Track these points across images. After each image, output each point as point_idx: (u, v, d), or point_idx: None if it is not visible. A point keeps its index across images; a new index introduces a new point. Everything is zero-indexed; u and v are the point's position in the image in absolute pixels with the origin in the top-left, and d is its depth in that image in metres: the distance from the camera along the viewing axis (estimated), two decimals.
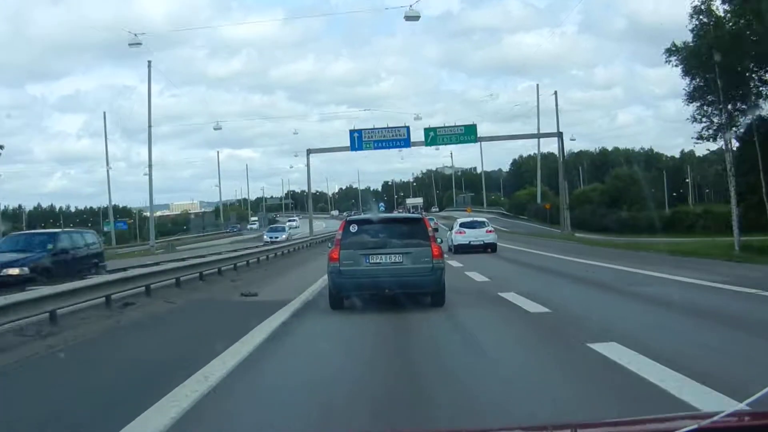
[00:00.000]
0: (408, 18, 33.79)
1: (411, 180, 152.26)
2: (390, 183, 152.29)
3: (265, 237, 51.80)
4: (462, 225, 30.62)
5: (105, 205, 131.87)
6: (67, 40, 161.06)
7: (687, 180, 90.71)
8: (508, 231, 58.58)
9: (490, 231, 29.97)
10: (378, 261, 10.82)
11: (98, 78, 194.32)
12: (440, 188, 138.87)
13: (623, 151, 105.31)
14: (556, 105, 57.09)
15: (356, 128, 49.46)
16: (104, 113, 68.70)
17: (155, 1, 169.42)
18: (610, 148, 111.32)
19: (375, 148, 49.45)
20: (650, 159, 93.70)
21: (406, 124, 49.75)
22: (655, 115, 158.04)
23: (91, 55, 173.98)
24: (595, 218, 55.70)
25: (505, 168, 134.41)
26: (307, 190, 64.92)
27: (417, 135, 49.42)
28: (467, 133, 50.48)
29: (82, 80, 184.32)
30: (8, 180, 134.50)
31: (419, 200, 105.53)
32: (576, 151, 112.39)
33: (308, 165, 55.01)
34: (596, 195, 64.74)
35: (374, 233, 11.23)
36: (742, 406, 2.20)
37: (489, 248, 28.76)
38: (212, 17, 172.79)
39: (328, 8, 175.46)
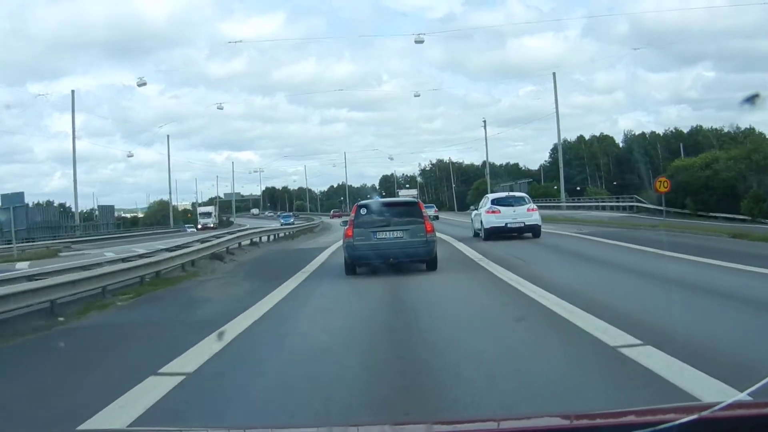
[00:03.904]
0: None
1: (417, 173, 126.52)
2: (390, 175, 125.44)
3: None
4: (495, 202, 24.36)
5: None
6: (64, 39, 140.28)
7: None
8: None
9: (533, 209, 23.71)
10: (383, 236, 14.28)
11: (97, 77, 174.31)
12: (457, 182, 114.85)
13: (675, 133, 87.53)
14: None
15: None
16: None
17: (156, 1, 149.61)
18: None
19: None
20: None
21: None
22: (656, 121, 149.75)
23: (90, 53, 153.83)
24: None
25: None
26: None
27: None
28: None
29: (80, 79, 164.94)
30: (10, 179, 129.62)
31: (413, 191, 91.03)
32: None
33: None
34: None
35: (380, 214, 14.70)
36: (742, 395, 2.09)
37: (530, 232, 23.25)
38: (213, 17, 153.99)
39: (330, 9, 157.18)
